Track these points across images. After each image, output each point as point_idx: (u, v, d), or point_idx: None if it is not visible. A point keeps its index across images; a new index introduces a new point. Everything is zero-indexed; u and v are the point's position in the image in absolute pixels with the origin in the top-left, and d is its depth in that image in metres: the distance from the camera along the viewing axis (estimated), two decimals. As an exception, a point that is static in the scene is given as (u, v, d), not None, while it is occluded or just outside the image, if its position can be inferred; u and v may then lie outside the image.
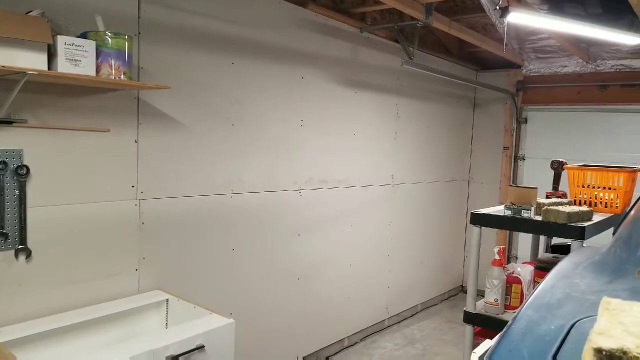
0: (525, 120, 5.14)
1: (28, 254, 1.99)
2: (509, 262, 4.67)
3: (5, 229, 1.91)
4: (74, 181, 2.13)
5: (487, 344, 1.40)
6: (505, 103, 5.15)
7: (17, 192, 1.94)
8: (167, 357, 1.79)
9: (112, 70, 2.02)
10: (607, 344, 0.71)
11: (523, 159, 5.17)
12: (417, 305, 4.70)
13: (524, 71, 4.99)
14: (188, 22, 2.51)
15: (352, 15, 3.53)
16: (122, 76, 2.05)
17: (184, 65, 2.51)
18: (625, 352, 0.70)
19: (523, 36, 4.42)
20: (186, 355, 1.85)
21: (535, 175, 4.97)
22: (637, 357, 0.68)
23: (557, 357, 0.87)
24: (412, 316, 4.60)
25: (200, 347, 1.90)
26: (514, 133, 5.15)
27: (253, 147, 2.91)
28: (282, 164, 3.11)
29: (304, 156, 3.26)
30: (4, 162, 1.90)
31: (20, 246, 1.96)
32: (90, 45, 1.94)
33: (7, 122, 1.91)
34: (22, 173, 1.95)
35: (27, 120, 1.97)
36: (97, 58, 1.97)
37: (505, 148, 5.18)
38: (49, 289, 2.06)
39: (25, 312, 1.99)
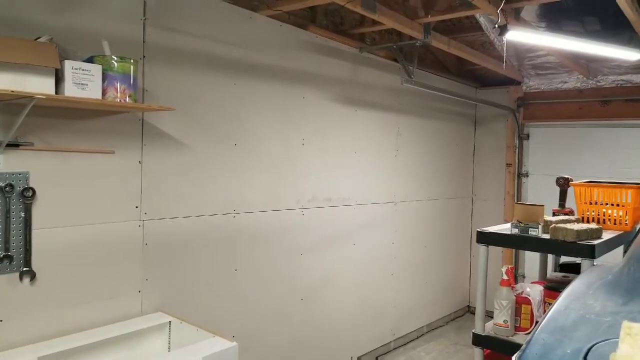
0: (527, 137, 5.21)
1: (32, 276, 2.03)
2: (516, 281, 4.68)
3: (10, 251, 1.96)
4: (78, 203, 2.18)
5: None
6: (506, 119, 5.24)
7: (22, 215, 1.99)
8: (172, 380, 1.82)
9: (118, 94, 2.09)
10: None
11: (526, 175, 5.23)
12: (422, 327, 4.70)
13: (524, 88, 5.08)
14: (191, 45, 2.60)
15: (352, 36, 3.64)
16: (127, 99, 2.12)
17: (187, 86, 2.59)
18: None
19: (522, 53, 4.52)
20: (191, 378, 1.88)
21: (540, 191, 5.02)
22: None
23: None
24: (418, 338, 4.60)
25: (205, 370, 1.92)
26: (517, 149, 5.22)
27: (255, 166, 2.97)
28: (284, 183, 3.17)
29: (306, 175, 3.32)
30: (11, 185, 1.95)
31: (24, 268, 2.00)
32: (96, 69, 2.02)
33: (14, 145, 1.97)
34: (28, 195, 2.00)
35: (34, 143, 2.04)
36: (103, 82, 2.04)
37: (508, 165, 5.24)
38: (53, 311, 2.10)
39: (30, 334, 2.02)
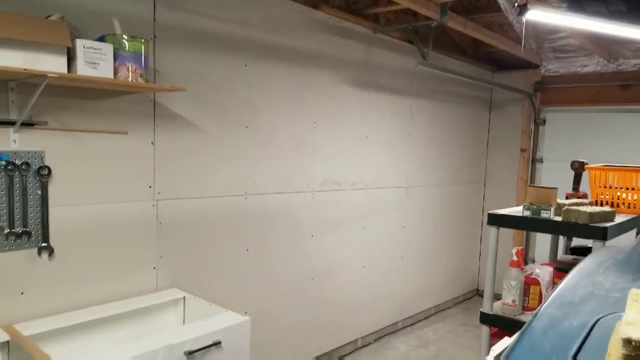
0: (544, 122, 5.15)
1: (50, 252, 2.10)
2: (526, 265, 4.67)
3: (28, 227, 2.02)
4: (93, 182, 2.23)
5: (504, 342, 1.39)
6: (523, 104, 5.17)
7: (39, 192, 2.05)
8: (184, 353, 1.88)
9: (130, 73, 2.11)
10: (637, 334, 0.71)
11: (541, 161, 5.18)
12: (430, 308, 4.74)
13: (542, 71, 5.01)
14: (202, 25, 2.61)
15: (365, 16, 3.61)
16: (139, 79, 2.14)
17: (198, 67, 2.61)
18: None
19: (541, 35, 4.44)
20: (203, 351, 1.93)
21: (554, 178, 4.95)
22: None
23: (580, 352, 0.87)
24: (425, 319, 4.64)
25: (217, 344, 1.98)
26: (532, 135, 5.17)
27: (266, 149, 3.00)
28: (295, 166, 3.19)
29: (317, 158, 3.34)
30: (27, 163, 2.01)
31: (43, 244, 2.07)
32: (108, 48, 2.03)
33: (29, 124, 2.02)
34: (43, 174, 2.05)
35: (48, 122, 2.08)
36: (114, 61, 2.06)
37: (523, 150, 5.20)
38: (71, 285, 2.17)
39: (49, 307, 2.10)
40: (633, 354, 0.71)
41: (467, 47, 4.91)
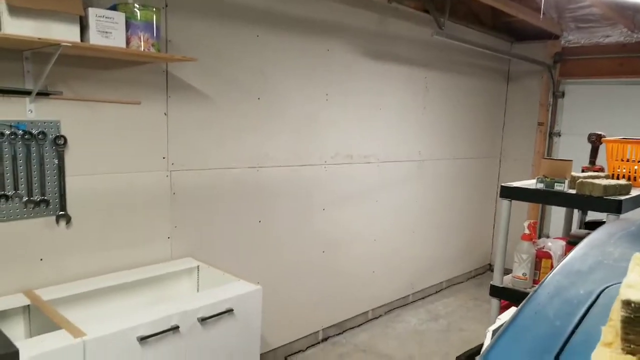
0: (563, 95, 5.05)
1: (68, 220, 2.16)
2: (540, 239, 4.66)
3: (46, 196, 2.08)
4: (108, 152, 2.27)
5: (510, 312, 1.42)
6: (541, 76, 5.07)
7: (56, 162, 2.09)
8: (198, 319, 1.94)
9: (142, 43, 2.11)
10: (637, 296, 0.71)
11: (559, 135, 5.11)
12: (442, 282, 4.78)
13: (562, 42, 4.88)
14: (214, -6, 2.59)
15: (381, -15, 3.54)
16: (151, 48, 2.15)
17: (210, 38, 2.60)
18: None
19: (562, 4, 4.32)
20: (216, 317, 1.99)
21: (572, 152, 4.86)
22: None
23: (585, 319, 0.87)
24: (436, 293, 4.69)
25: (230, 311, 2.04)
26: (550, 108, 5.08)
27: (278, 121, 3.00)
28: (307, 138, 3.19)
29: (329, 131, 3.34)
30: (43, 133, 2.05)
31: (60, 212, 2.13)
32: (120, 17, 2.04)
33: (44, 94, 2.05)
34: (60, 143, 2.09)
35: (63, 92, 2.11)
36: (126, 30, 2.07)
37: (540, 124, 5.12)
38: (88, 253, 2.24)
39: (67, 273, 2.17)
40: (632, 316, 0.71)
41: (485, 16, 4.80)
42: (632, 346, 0.72)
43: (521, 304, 1.00)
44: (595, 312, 0.89)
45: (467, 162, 4.85)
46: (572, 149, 4.92)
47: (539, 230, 5.19)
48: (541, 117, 5.11)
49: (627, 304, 0.72)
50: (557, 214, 4.97)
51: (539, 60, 4.92)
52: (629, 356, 0.72)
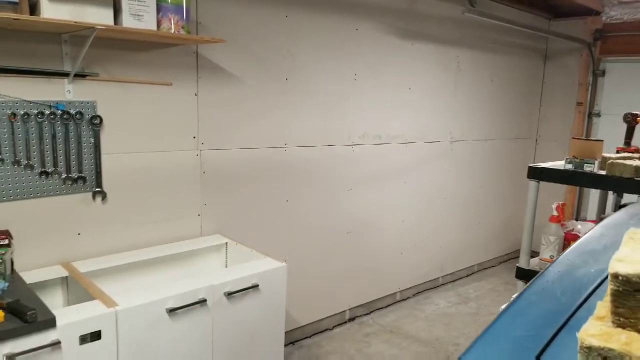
0: (603, 73, 4.85)
1: (103, 196, 2.26)
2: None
3: (83, 173, 2.18)
4: (142, 131, 2.35)
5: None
6: (581, 54, 4.88)
7: (92, 140, 2.19)
8: (224, 293, 2.01)
9: (172, 25, 2.17)
10: (625, 269, 0.71)
11: (598, 115, 4.92)
12: (473, 265, 4.74)
13: (603, 18, 4.67)
14: (243, -25, 2.61)
15: (412, -38, 3.47)
16: (181, 30, 2.20)
17: (240, 19, 2.63)
18: None
19: (604, -21, 4.13)
20: (241, 292, 2.06)
21: (611, 133, 4.69)
22: None
23: (592, 296, 0.88)
24: (467, 276, 4.66)
25: (255, 286, 2.10)
26: (589, 87, 4.89)
27: (306, 101, 3.02)
28: (335, 118, 3.20)
29: (357, 111, 3.33)
30: (80, 112, 2.14)
31: (96, 189, 2.23)
32: (151, 0, 2.09)
33: (81, 75, 2.14)
34: (96, 123, 2.18)
35: (99, 73, 2.19)
36: (157, 13, 2.12)
37: (579, 104, 4.94)
38: (122, 228, 2.34)
39: (103, 247, 2.28)
40: (620, 289, 0.71)
41: (522, -7, 4.63)
42: (621, 319, 0.72)
43: (531, 281, 1.01)
44: (603, 290, 0.89)
45: (501, 143, 4.75)
46: (611, 129, 4.73)
47: (576, 213, 5.06)
48: (580, 97, 4.93)
49: (615, 277, 0.72)
50: (595, 197, 4.82)
51: (579, 38, 4.73)
52: (619, 329, 0.72)
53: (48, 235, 2.12)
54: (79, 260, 2.17)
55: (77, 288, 1.95)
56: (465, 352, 0.82)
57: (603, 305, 0.77)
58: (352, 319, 3.59)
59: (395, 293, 3.93)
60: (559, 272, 1.00)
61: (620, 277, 0.71)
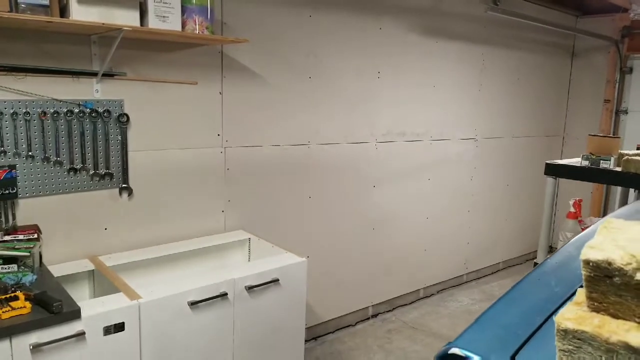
0: (630, 70, 4.62)
1: (130, 192, 2.23)
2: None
3: (111, 169, 2.16)
4: (167, 129, 2.32)
5: None
6: (608, 51, 4.64)
7: (119, 138, 2.17)
8: (245, 287, 1.96)
9: (196, 26, 2.14)
10: (595, 255, 0.73)
11: (626, 112, 4.68)
12: (498, 263, 4.56)
13: (631, 15, 4.43)
14: (267, -25, 2.56)
15: (435, -40, 3.36)
16: (205, 31, 2.16)
17: (264, 19, 2.58)
18: (610, 263, 0.71)
19: (633, -26, 3.91)
20: (262, 286, 2.00)
21: (638, 130, 4.49)
22: (621, 268, 0.70)
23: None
24: (492, 274, 4.49)
25: (275, 281, 2.04)
26: (617, 85, 4.65)
27: (329, 99, 2.95)
28: (358, 116, 3.12)
29: (381, 109, 3.24)
30: (108, 111, 2.12)
31: (123, 185, 2.21)
32: (176, 2, 2.07)
33: (109, 74, 2.12)
34: (123, 121, 2.16)
35: (126, 73, 2.17)
36: (182, 14, 2.09)
37: (606, 101, 4.71)
38: (148, 223, 2.31)
39: (129, 242, 2.26)
40: (592, 274, 0.73)
41: (548, -10, 4.44)
42: (595, 304, 0.74)
43: (529, 272, 1.02)
44: None
45: (527, 140, 4.56)
46: (639, 126, 4.50)
47: (603, 210, 4.82)
48: (607, 94, 4.70)
49: (586, 263, 0.73)
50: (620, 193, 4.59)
51: (606, 35, 4.51)
52: (593, 313, 0.74)
53: (76, 230, 2.11)
54: (106, 255, 2.15)
55: (103, 281, 1.93)
56: (456, 338, 0.83)
57: (582, 292, 0.78)
58: (374, 316, 3.50)
59: (418, 290, 3.81)
60: (556, 264, 1.00)
61: (591, 263, 0.73)
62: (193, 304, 1.81)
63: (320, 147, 2.95)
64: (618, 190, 4.68)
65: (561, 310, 0.76)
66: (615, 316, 0.73)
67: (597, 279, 0.73)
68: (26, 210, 1.97)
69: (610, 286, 0.72)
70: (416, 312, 3.62)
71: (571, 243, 1.10)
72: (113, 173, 2.17)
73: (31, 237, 1.83)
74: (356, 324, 3.37)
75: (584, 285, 0.76)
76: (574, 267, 0.95)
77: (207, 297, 1.84)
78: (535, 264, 2.54)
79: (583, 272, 0.74)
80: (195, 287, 1.83)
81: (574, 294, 0.86)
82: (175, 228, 2.40)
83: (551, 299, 0.89)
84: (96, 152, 2.11)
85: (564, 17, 4.60)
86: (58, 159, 2.01)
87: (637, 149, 2.69)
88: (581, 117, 4.89)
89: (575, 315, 0.74)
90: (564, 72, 4.85)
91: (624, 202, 3.00)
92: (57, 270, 1.91)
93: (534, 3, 4.20)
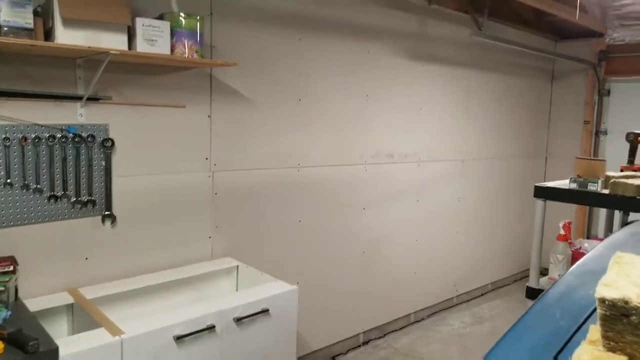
0: (608, 93, 4.69)
1: (113, 219, 2.12)
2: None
3: (93, 196, 2.04)
4: (154, 154, 2.22)
5: None
6: (587, 74, 4.71)
7: (103, 163, 2.06)
8: (233, 319, 1.84)
9: (186, 49, 2.08)
10: (611, 294, 0.71)
11: (605, 133, 4.73)
12: (487, 284, 4.49)
13: (607, 40, 4.53)
14: (257, 1, 2.51)
15: (420, -13, 3.37)
16: (194, 54, 2.10)
17: (254, 42, 2.52)
18: (627, 302, 0.69)
19: (606, 2, 4.01)
20: (251, 317, 1.89)
21: (618, 150, 4.48)
22: (638, 307, 0.68)
23: (590, 318, 0.85)
24: (482, 295, 4.41)
25: (265, 311, 1.93)
26: (596, 106, 4.71)
27: (319, 122, 2.89)
28: (347, 138, 3.06)
29: (369, 131, 3.19)
30: (92, 136, 2.02)
31: (106, 212, 2.09)
32: (165, 25, 2.01)
33: (94, 98, 2.03)
34: (107, 146, 2.06)
35: (112, 97, 2.08)
36: (171, 38, 2.03)
37: (586, 122, 4.76)
38: (131, 252, 2.19)
39: (111, 272, 2.12)
40: (608, 313, 0.70)
41: (529, 16, 4.49)
42: (611, 343, 0.71)
43: (532, 304, 0.97)
44: None
45: (512, 161, 4.56)
46: (618, 146, 4.50)
47: (587, 231, 4.82)
48: (587, 116, 4.75)
49: (602, 301, 0.71)
50: (604, 214, 4.60)
51: (584, 59, 4.58)
52: (609, 353, 0.71)
53: (55, 261, 1.98)
54: (86, 286, 2.01)
55: (83, 315, 1.80)
56: None
57: (596, 329, 0.75)
58: (366, 342, 3.37)
59: (409, 314, 3.71)
60: (558, 294, 0.96)
61: (606, 302, 0.71)
62: (179, 338, 1.68)
63: (310, 170, 2.88)
64: (601, 211, 4.71)
65: (577, 351, 0.73)
66: (632, 357, 0.70)
67: (613, 318, 0.70)
68: (2, 241, 1.84)
69: (627, 325, 0.70)
70: (407, 337, 3.50)
71: (571, 272, 1.06)
72: (96, 200, 2.05)
73: (7, 269, 1.70)
74: (347, 352, 3.24)
75: (599, 324, 0.72)
76: (577, 298, 0.93)
77: (194, 330, 1.72)
78: (528, 287, 2.49)
79: (599, 311, 0.72)
80: (181, 320, 1.71)
81: (580, 327, 0.84)
82: (160, 256, 2.28)
83: (558, 333, 0.85)
84: (79, 179, 2.00)
85: (543, 41, 4.67)
86: (38, 186, 1.90)
87: (621, 170, 2.67)
88: (563, 138, 4.92)
89: (591, 356, 0.72)
90: (545, 94, 4.90)
91: (610, 222, 2.98)
92: (33, 304, 1.77)
93: (516, 28, 4.25)
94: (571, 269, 1.07)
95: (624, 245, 1.18)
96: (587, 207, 4.72)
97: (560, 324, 0.87)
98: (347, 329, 3.24)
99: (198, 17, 2.10)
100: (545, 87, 4.88)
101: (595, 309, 0.85)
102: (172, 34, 2.04)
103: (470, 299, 4.28)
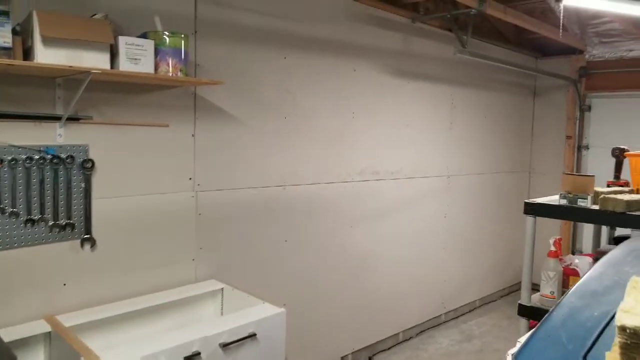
0: (589, 108, 4.76)
1: (93, 243, 2.04)
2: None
3: (72, 219, 1.97)
4: (135, 174, 2.16)
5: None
6: (568, 90, 4.79)
7: (83, 185, 2.00)
8: (219, 344, 1.77)
9: (170, 68, 2.03)
10: (632, 322, 0.69)
11: (587, 148, 4.79)
12: (475, 300, 4.46)
13: (586, 57, 4.62)
14: (242, 19, 2.49)
15: (404, 6, 3.39)
16: (179, 73, 2.06)
17: (239, 61, 2.50)
18: None
19: (584, 20, 4.09)
20: (238, 343, 1.82)
21: (600, 165, 4.53)
22: None
23: (597, 342, 0.83)
24: (470, 312, 4.37)
25: (252, 335, 1.86)
26: (577, 122, 4.78)
27: (305, 139, 2.86)
28: (334, 156, 3.03)
29: (356, 148, 3.17)
30: (72, 157, 1.95)
31: (85, 236, 2.01)
32: (149, 44, 1.96)
33: (74, 118, 1.97)
34: (87, 167, 2.00)
35: (92, 117, 2.02)
36: (155, 56, 1.99)
37: (568, 137, 4.82)
38: (112, 277, 2.11)
39: (91, 298, 2.04)
40: (629, 342, 0.68)
41: (510, 33, 4.57)
42: None
43: (535, 327, 0.95)
44: (608, 335, 0.83)
45: (496, 176, 4.57)
46: (600, 161, 4.59)
47: (572, 246, 4.84)
48: (569, 131, 4.81)
49: (622, 329, 0.69)
50: (589, 229, 4.62)
51: (565, 75, 4.66)
52: None
53: (31, 287, 1.89)
54: (65, 313, 1.92)
55: (61, 344, 1.71)
56: None
57: (612, 357, 0.73)
58: (355, 362, 3.31)
59: (398, 334, 3.65)
60: (562, 317, 0.94)
61: (627, 330, 0.69)
62: (162, 367, 1.61)
63: (296, 188, 2.84)
64: (585, 226, 4.74)
65: None
66: (655, 385, 0.68)
67: (634, 346, 0.68)
68: (-25, 268, 1.75)
69: (649, 354, 0.67)
70: (396, 357, 3.44)
71: (572, 293, 1.04)
72: (75, 223, 1.98)
73: (-21, 298, 1.62)
74: (337, 372, 3.18)
75: (619, 352, 0.70)
76: (582, 320, 0.91)
77: (178, 358, 1.64)
78: (520, 304, 2.46)
79: (618, 339, 0.70)
80: (164, 347, 1.63)
81: (589, 351, 0.82)
82: (142, 280, 2.20)
83: (567, 358, 0.83)
84: (57, 201, 1.93)
85: (525, 58, 4.74)
86: (14, 210, 1.82)
87: (608, 185, 2.68)
88: (545, 153, 4.97)
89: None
90: (527, 110, 4.96)
91: (597, 237, 2.98)
92: (8, 333, 1.68)
93: (498, 46, 4.31)
94: (572, 290, 1.05)
95: (624, 263, 1.16)
96: (572, 223, 4.75)
97: (568, 348, 0.85)
98: (336, 350, 3.17)
99: (182, 35, 2.07)
100: (527, 103, 4.94)
101: (601, 332, 0.85)
102: (156, 52, 1.99)
103: (459, 316, 4.25)
